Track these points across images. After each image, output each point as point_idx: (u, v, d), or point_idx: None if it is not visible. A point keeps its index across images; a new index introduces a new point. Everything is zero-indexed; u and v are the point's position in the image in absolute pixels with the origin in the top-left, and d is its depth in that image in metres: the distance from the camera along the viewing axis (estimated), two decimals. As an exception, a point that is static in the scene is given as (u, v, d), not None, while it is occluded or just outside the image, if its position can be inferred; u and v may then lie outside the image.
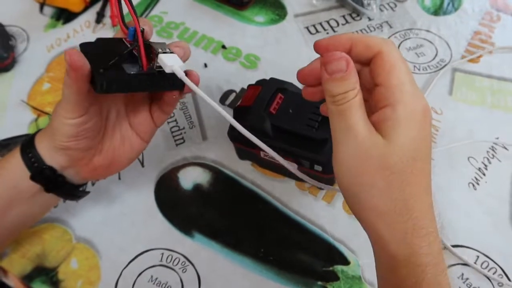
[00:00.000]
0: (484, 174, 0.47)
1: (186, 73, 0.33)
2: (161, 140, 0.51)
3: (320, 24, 0.62)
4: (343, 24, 0.62)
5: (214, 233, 0.45)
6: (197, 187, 0.48)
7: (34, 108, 0.55)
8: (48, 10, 0.66)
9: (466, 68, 0.56)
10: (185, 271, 0.43)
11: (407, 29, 0.61)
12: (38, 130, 0.38)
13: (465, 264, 0.42)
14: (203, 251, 0.44)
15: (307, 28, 0.62)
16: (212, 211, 0.46)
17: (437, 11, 0.63)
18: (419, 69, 0.56)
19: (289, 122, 0.42)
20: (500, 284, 0.41)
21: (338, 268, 0.42)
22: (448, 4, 0.63)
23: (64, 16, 0.65)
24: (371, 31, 0.61)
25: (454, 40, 0.59)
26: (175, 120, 0.53)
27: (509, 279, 0.41)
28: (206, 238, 0.44)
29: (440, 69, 0.56)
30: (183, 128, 0.52)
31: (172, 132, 0.52)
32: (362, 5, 0.62)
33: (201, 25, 0.63)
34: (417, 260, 0.27)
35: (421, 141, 0.28)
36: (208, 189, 0.48)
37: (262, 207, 0.46)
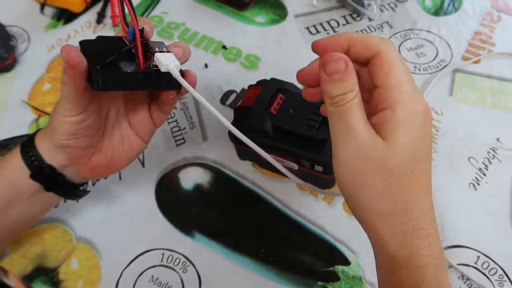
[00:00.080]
0: (484, 175, 0.47)
1: (183, 72, 0.33)
2: (161, 140, 0.51)
3: (321, 24, 0.62)
4: (343, 25, 0.62)
5: (214, 233, 0.45)
6: (197, 187, 0.48)
7: (35, 108, 0.55)
8: (48, 11, 0.66)
9: (467, 68, 0.56)
10: (186, 271, 0.43)
11: (408, 29, 0.61)
12: (39, 130, 0.38)
13: (466, 265, 0.42)
14: (203, 251, 0.44)
15: (307, 28, 0.62)
16: (212, 211, 0.46)
17: (438, 11, 0.63)
18: (419, 70, 0.56)
19: (290, 123, 0.42)
20: (500, 285, 0.41)
21: (339, 268, 0.42)
22: (449, 5, 0.63)
23: (65, 16, 0.65)
24: (371, 31, 0.61)
25: (455, 41, 0.59)
26: (176, 120, 0.53)
27: (509, 280, 0.41)
28: (207, 238, 0.44)
29: (441, 69, 0.56)
30: (184, 128, 0.52)
31: (172, 132, 0.52)
32: (362, 5, 0.62)
33: (201, 26, 0.63)
34: (417, 261, 0.27)
35: (421, 142, 0.28)
36: (208, 189, 0.48)
37: (262, 208, 0.46)
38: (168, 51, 0.33)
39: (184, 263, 0.43)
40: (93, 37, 0.61)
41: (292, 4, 0.65)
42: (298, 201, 0.46)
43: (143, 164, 0.50)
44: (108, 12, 0.65)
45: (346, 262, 0.42)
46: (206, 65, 0.58)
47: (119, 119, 0.39)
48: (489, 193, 0.46)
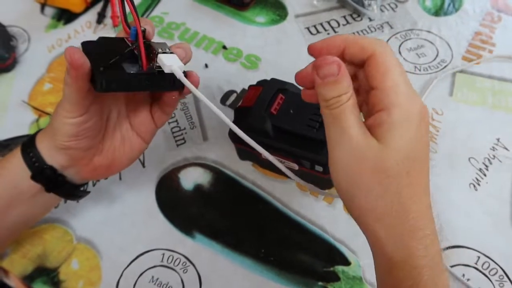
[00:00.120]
0: (484, 175, 0.47)
1: (186, 73, 0.33)
2: (162, 141, 0.51)
3: (321, 24, 0.62)
4: (343, 25, 0.62)
5: (215, 233, 0.45)
6: (198, 188, 0.48)
7: (35, 109, 0.55)
8: (49, 11, 0.66)
9: (467, 68, 0.56)
10: (186, 272, 0.43)
11: (408, 29, 0.61)
12: (39, 130, 0.38)
13: (466, 265, 0.42)
14: (204, 252, 0.44)
15: (307, 28, 0.62)
16: (213, 211, 0.46)
17: (438, 11, 0.63)
18: (419, 70, 0.56)
19: (290, 123, 0.42)
20: (501, 285, 0.41)
21: (339, 268, 0.42)
22: (449, 5, 0.63)
23: (65, 16, 0.65)
24: (372, 31, 0.61)
25: (455, 41, 0.59)
26: (176, 121, 0.53)
27: (510, 280, 0.41)
28: (207, 238, 0.45)
29: (441, 69, 0.56)
30: (184, 128, 0.52)
31: (173, 133, 0.52)
32: (362, 5, 0.62)
33: (202, 26, 0.63)
34: (414, 262, 0.27)
35: (417, 143, 0.28)
36: (209, 189, 0.48)
37: (262, 208, 0.46)
38: (171, 52, 0.33)
39: (184, 263, 0.43)
40: (93, 37, 0.61)
41: (293, 4, 0.65)
42: (298, 201, 0.46)
43: (143, 164, 0.50)
44: (109, 12, 0.65)
45: (346, 262, 0.43)
46: (206, 65, 0.58)
47: (121, 120, 0.39)
48: (489, 194, 0.46)
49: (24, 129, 0.53)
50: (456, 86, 0.55)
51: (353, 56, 0.29)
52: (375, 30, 0.61)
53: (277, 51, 0.59)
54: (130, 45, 0.34)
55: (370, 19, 0.62)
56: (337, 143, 0.28)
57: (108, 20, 0.64)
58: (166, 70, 0.32)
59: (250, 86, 0.48)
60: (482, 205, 0.45)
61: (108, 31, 0.63)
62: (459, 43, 0.59)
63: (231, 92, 0.55)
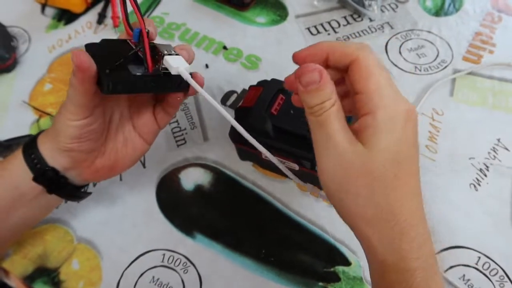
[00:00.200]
0: (485, 175, 0.47)
1: (191, 75, 0.34)
2: (162, 141, 0.51)
3: (321, 25, 0.62)
4: (344, 25, 0.62)
5: (215, 233, 0.45)
6: (198, 188, 0.48)
7: (36, 109, 0.55)
8: (49, 11, 0.66)
9: (467, 69, 0.56)
10: (187, 272, 0.43)
11: (408, 30, 0.61)
12: (41, 131, 0.38)
13: (466, 265, 0.42)
14: (204, 252, 0.44)
15: (308, 29, 0.62)
16: (213, 211, 0.46)
17: (438, 12, 0.63)
18: (420, 70, 0.56)
19: (290, 123, 0.42)
20: (501, 285, 0.41)
21: (339, 269, 0.42)
22: (449, 5, 0.63)
23: (66, 17, 0.66)
24: (372, 32, 0.61)
25: (455, 41, 0.59)
26: (177, 121, 0.53)
27: (510, 280, 0.41)
28: (207, 238, 0.45)
29: (441, 70, 0.56)
30: (185, 129, 0.52)
31: (173, 133, 0.52)
32: (363, 6, 0.62)
33: (202, 26, 0.63)
34: (406, 265, 0.27)
35: (403, 144, 0.27)
36: (209, 189, 0.48)
37: (263, 208, 0.46)
38: (176, 54, 0.33)
39: (185, 264, 0.43)
40: (94, 37, 0.61)
41: (293, 5, 0.65)
42: (299, 201, 0.46)
43: (144, 165, 0.50)
44: (109, 13, 0.65)
45: (346, 263, 0.43)
46: (206, 66, 0.58)
47: (123, 121, 0.39)
48: (489, 194, 0.46)
49: (24, 130, 0.53)
50: (456, 87, 0.55)
51: (337, 62, 0.30)
52: (376, 30, 0.61)
53: (278, 52, 0.59)
54: (134, 47, 0.34)
55: (371, 20, 0.62)
56: (323, 150, 0.28)
57: (108, 21, 0.64)
58: (173, 72, 0.32)
59: (251, 87, 0.48)
60: (482, 205, 0.45)
61: (109, 31, 0.63)
62: (460, 44, 0.59)
63: (231, 93, 0.55)
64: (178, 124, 0.53)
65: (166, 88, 0.34)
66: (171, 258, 0.43)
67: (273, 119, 0.43)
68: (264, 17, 0.64)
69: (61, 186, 0.38)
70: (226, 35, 0.61)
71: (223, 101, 0.54)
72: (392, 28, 0.61)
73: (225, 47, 0.60)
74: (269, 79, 0.47)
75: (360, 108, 0.28)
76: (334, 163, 0.28)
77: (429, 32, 0.60)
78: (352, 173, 0.27)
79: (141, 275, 0.43)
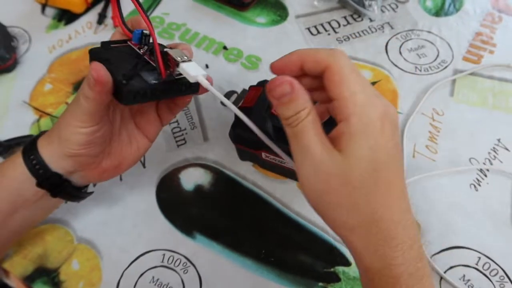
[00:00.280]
0: (485, 175, 0.47)
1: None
2: (162, 141, 0.51)
3: (322, 25, 0.62)
4: (344, 25, 0.62)
5: (215, 234, 0.45)
6: (198, 188, 0.48)
7: (36, 109, 0.55)
8: (50, 11, 0.66)
9: (468, 69, 0.56)
10: (186, 272, 0.43)
11: (409, 30, 0.61)
12: (38, 135, 0.38)
13: (467, 266, 0.42)
14: (204, 252, 0.44)
15: (308, 29, 0.62)
16: (213, 212, 0.46)
17: (439, 12, 0.63)
18: (420, 70, 0.56)
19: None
20: (501, 286, 0.41)
21: (339, 269, 0.42)
22: (450, 5, 0.63)
23: (66, 17, 0.66)
24: (372, 32, 0.61)
25: (456, 41, 0.59)
26: (177, 121, 0.53)
27: (510, 281, 0.41)
28: (207, 239, 0.44)
29: (442, 70, 0.56)
30: (185, 129, 0.52)
31: (173, 133, 0.52)
32: (363, 6, 0.62)
33: (202, 26, 0.63)
34: (391, 271, 0.27)
35: (381, 149, 0.27)
36: (209, 190, 0.48)
37: (263, 208, 0.46)
38: (189, 60, 0.33)
39: (184, 264, 0.43)
40: (94, 37, 0.61)
41: (293, 5, 0.65)
42: (299, 201, 0.46)
43: (144, 165, 0.50)
44: (109, 13, 0.65)
45: (346, 263, 0.42)
46: (207, 66, 0.58)
47: (125, 121, 0.39)
48: (490, 194, 0.46)
49: (25, 130, 0.53)
50: (456, 87, 0.55)
51: (311, 70, 0.29)
52: (376, 30, 0.61)
53: (278, 52, 0.58)
54: (137, 49, 0.33)
55: (371, 20, 0.62)
56: (301, 160, 0.28)
57: (109, 21, 0.64)
58: (192, 80, 0.32)
59: (251, 87, 0.48)
60: (482, 205, 0.45)
61: (109, 31, 0.63)
62: (460, 44, 0.59)
63: (231, 93, 0.55)
64: (178, 124, 0.53)
65: (180, 91, 0.34)
66: (171, 258, 0.43)
67: (273, 119, 0.43)
68: (264, 17, 0.64)
69: (65, 189, 0.38)
70: (226, 35, 0.61)
71: (223, 101, 0.54)
72: (392, 28, 0.61)
73: (225, 47, 0.60)
74: (269, 79, 0.46)
75: (336, 115, 0.28)
76: (313, 174, 0.28)
77: (429, 32, 0.60)
78: (331, 183, 0.27)
79: (141, 275, 0.43)
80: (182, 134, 0.52)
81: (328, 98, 0.28)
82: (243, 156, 0.49)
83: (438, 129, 0.51)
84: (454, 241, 0.43)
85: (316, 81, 0.30)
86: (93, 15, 0.65)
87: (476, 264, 0.42)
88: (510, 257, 0.42)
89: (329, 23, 0.62)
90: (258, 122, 0.42)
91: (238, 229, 0.45)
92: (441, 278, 0.41)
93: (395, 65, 0.57)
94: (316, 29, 0.62)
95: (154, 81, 0.32)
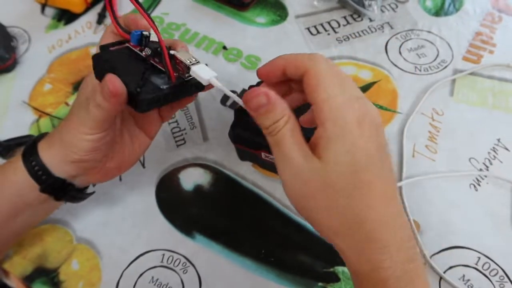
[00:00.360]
0: (485, 175, 0.47)
1: None
2: (162, 141, 0.51)
3: (321, 25, 0.62)
4: (344, 25, 0.62)
5: (215, 234, 0.45)
6: (198, 188, 0.48)
7: (35, 109, 0.55)
8: (49, 11, 0.66)
9: (468, 69, 0.56)
10: (186, 272, 0.43)
11: (408, 30, 0.61)
12: (38, 137, 0.37)
13: (466, 266, 0.42)
14: (204, 252, 0.44)
15: (308, 29, 0.62)
16: (212, 212, 0.46)
17: (438, 12, 0.63)
18: (420, 70, 0.56)
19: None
20: (501, 285, 0.41)
21: (339, 269, 0.42)
22: (449, 5, 0.63)
23: (66, 17, 0.66)
24: (372, 32, 0.61)
25: (455, 41, 0.59)
26: (176, 121, 0.53)
27: (510, 281, 0.41)
28: (207, 239, 0.44)
29: (441, 70, 0.56)
30: (184, 129, 0.52)
31: (173, 133, 0.52)
32: (363, 6, 0.62)
33: (202, 26, 0.63)
34: (378, 274, 0.27)
35: (359, 152, 0.26)
36: (209, 190, 0.48)
37: (262, 208, 0.46)
38: (197, 61, 0.33)
39: (184, 264, 0.43)
40: (93, 37, 0.61)
41: (293, 5, 0.65)
42: (299, 201, 0.46)
43: (143, 165, 0.50)
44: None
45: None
46: (206, 66, 0.58)
47: (126, 122, 0.39)
48: (489, 194, 0.46)
49: (24, 130, 0.53)
50: (456, 87, 0.54)
51: (292, 75, 0.29)
52: (376, 30, 0.61)
53: (277, 52, 0.58)
54: (139, 52, 0.33)
55: (371, 20, 0.62)
56: (283, 167, 0.28)
57: (108, 21, 0.64)
58: (205, 83, 0.32)
59: (250, 87, 0.48)
60: (482, 205, 0.45)
61: (109, 31, 0.63)
62: (460, 44, 0.59)
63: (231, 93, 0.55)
64: (178, 124, 0.53)
65: (189, 92, 0.35)
66: (170, 258, 0.43)
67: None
68: (264, 17, 0.64)
69: (67, 192, 0.38)
70: (226, 35, 0.61)
71: (223, 102, 0.54)
72: (392, 28, 0.61)
73: (225, 47, 0.60)
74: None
75: (316, 119, 0.28)
76: (294, 181, 0.28)
77: (429, 32, 0.60)
78: (312, 188, 0.27)
79: (141, 275, 0.43)
80: (182, 134, 0.52)
81: None
82: (242, 156, 0.49)
83: (438, 129, 0.51)
84: (454, 241, 0.43)
85: (301, 86, 0.30)
86: (92, 15, 0.65)
87: (476, 264, 0.42)
88: (510, 257, 0.42)
89: (329, 23, 0.62)
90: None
91: (238, 229, 0.45)
92: (441, 278, 0.41)
93: (395, 65, 0.57)
94: (316, 29, 0.62)
95: (165, 86, 0.32)
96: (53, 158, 0.35)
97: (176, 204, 0.47)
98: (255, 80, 0.48)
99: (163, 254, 0.44)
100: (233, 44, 0.60)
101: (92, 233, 0.45)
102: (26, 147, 0.37)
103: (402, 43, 0.59)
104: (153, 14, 0.65)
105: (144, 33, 0.34)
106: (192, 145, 0.51)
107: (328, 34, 0.61)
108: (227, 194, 0.47)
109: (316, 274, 0.42)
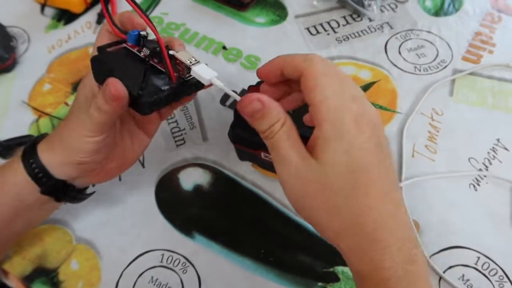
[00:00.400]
0: (484, 175, 0.47)
1: None
2: (161, 141, 0.51)
3: (321, 25, 0.62)
4: (343, 25, 0.62)
5: (214, 234, 0.45)
6: (197, 188, 0.48)
7: (35, 109, 0.55)
8: (49, 11, 0.66)
9: (467, 69, 0.56)
10: (186, 272, 0.43)
11: (408, 30, 0.61)
12: (37, 138, 0.37)
13: (466, 265, 0.42)
14: (203, 252, 0.44)
15: (307, 29, 0.62)
16: (212, 212, 0.46)
17: (438, 12, 0.63)
18: (420, 70, 0.56)
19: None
20: (501, 285, 0.41)
21: (339, 269, 0.42)
22: (449, 5, 0.63)
23: (65, 17, 0.66)
24: (371, 32, 0.61)
25: (455, 41, 0.59)
26: (176, 121, 0.53)
27: (510, 280, 0.41)
28: (207, 239, 0.44)
29: (441, 70, 0.56)
30: (184, 129, 0.52)
31: (172, 133, 0.52)
32: (362, 6, 0.62)
33: (201, 26, 0.63)
34: (380, 274, 0.27)
35: (357, 151, 0.26)
36: (208, 190, 0.48)
37: (262, 208, 0.46)
38: (197, 61, 0.33)
39: (184, 264, 0.43)
40: (93, 37, 0.61)
41: (292, 5, 0.65)
42: (298, 201, 0.46)
43: (143, 165, 0.50)
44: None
45: (345, 263, 0.42)
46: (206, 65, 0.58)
47: (126, 123, 0.39)
48: (489, 194, 0.46)
49: (24, 130, 0.53)
50: (456, 87, 0.54)
51: (290, 76, 0.30)
52: (375, 30, 0.61)
53: (277, 52, 0.58)
54: (138, 52, 0.33)
55: (370, 20, 0.62)
56: (281, 169, 0.28)
57: (108, 21, 0.64)
58: (206, 83, 0.32)
59: (250, 87, 0.48)
60: (481, 205, 0.45)
61: (108, 31, 0.63)
62: (459, 44, 0.59)
63: (231, 93, 0.55)
64: (177, 124, 0.53)
65: (190, 91, 0.34)
66: (170, 258, 0.43)
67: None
68: (264, 17, 0.64)
69: (68, 193, 0.38)
70: (225, 35, 0.61)
71: (223, 102, 0.54)
72: (391, 28, 0.61)
73: (224, 47, 0.60)
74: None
75: (313, 120, 0.28)
76: (292, 183, 0.28)
77: (428, 32, 0.60)
78: (310, 189, 0.27)
79: (140, 275, 0.43)
80: (181, 134, 0.52)
81: None
82: (242, 156, 0.49)
83: (438, 129, 0.51)
84: (453, 241, 0.43)
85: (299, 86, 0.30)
86: (92, 15, 0.65)
87: (475, 264, 0.42)
88: (509, 257, 0.42)
89: (328, 23, 0.62)
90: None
91: (237, 229, 0.45)
92: (440, 278, 0.41)
93: (395, 65, 0.57)
94: (316, 29, 0.62)
95: (166, 86, 0.32)
96: (53, 159, 0.35)
97: (175, 204, 0.47)
98: (255, 80, 0.48)
99: (163, 254, 0.44)
100: (232, 44, 0.60)
101: (91, 233, 0.45)
102: (26, 149, 0.36)
103: (402, 43, 0.59)
104: (152, 14, 0.65)
105: (142, 33, 0.33)
106: (191, 145, 0.51)
107: (328, 34, 0.61)
108: (227, 194, 0.47)
109: (315, 274, 0.42)
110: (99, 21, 0.64)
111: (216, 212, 0.46)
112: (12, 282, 0.43)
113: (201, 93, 0.55)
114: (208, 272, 0.43)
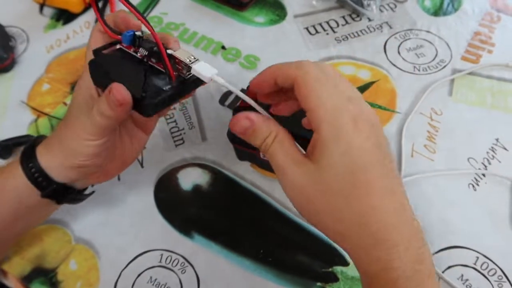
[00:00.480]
0: (484, 175, 0.47)
1: None
2: (160, 141, 0.51)
3: (320, 24, 0.62)
4: (342, 25, 0.62)
5: (213, 234, 0.45)
6: (196, 188, 0.48)
7: (34, 109, 0.55)
8: (48, 11, 0.66)
9: (466, 69, 0.56)
10: (184, 272, 0.43)
11: (407, 29, 0.61)
12: (35, 140, 0.37)
13: (465, 265, 0.42)
14: (202, 252, 0.44)
15: (306, 28, 0.62)
16: (211, 212, 0.46)
17: (437, 11, 0.63)
18: (419, 70, 0.56)
19: (289, 124, 0.42)
20: (500, 285, 0.41)
21: (338, 269, 0.42)
22: (448, 5, 0.63)
23: (64, 16, 0.65)
24: (371, 31, 0.61)
25: (454, 41, 0.59)
26: (175, 121, 0.53)
27: (509, 280, 0.41)
28: (206, 239, 0.44)
29: (440, 70, 0.56)
30: (183, 129, 0.52)
31: (171, 133, 0.52)
32: (362, 5, 0.62)
33: (201, 26, 0.63)
34: (387, 275, 0.26)
35: (356, 151, 0.26)
36: (207, 190, 0.48)
37: (261, 208, 0.46)
38: (196, 59, 0.33)
39: (182, 264, 0.43)
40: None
41: (292, 5, 0.65)
42: (297, 201, 0.46)
43: (142, 165, 0.50)
44: (107, 12, 0.65)
45: (345, 263, 0.42)
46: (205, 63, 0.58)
47: (124, 123, 0.39)
48: (488, 194, 0.46)
49: (22, 130, 0.53)
50: (455, 86, 0.54)
51: (284, 85, 0.30)
52: (374, 30, 0.61)
53: (276, 51, 0.59)
54: (134, 53, 0.33)
55: (369, 19, 0.62)
56: (281, 178, 0.29)
57: (107, 20, 0.64)
58: (207, 81, 0.32)
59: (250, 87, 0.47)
60: (481, 205, 0.45)
61: (107, 31, 0.63)
62: (458, 43, 0.59)
63: (230, 92, 0.55)
64: (176, 124, 0.53)
65: (190, 89, 0.34)
66: (169, 258, 0.43)
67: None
68: (263, 17, 0.64)
69: (68, 195, 0.38)
70: (224, 35, 0.61)
71: (222, 101, 0.54)
72: (390, 27, 0.61)
73: (223, 47, 0.60)
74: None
75: (312, 125, 0.28)
76: (291, 189, 0.28)
77: (428, 32, 0.60)
78: (310, 195, 0.27)
79: (139, 275, 0.43)
80: (180, 134, 0.52)
81: None
82: (241, 156, 0.49)
83: (437, 128, 0.51)
84: (453, 241, 0.43)
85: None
86: (91, 15, 0.65)
87: (475, 264, 0.42)
88: (508, 257, 0.42)
89: (327, 22, 0.62)
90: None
91: (236, 229, 0.45)
92: (439, 277, 0.41)
93: (394, 65, 0.57)
94: (315, 28, 0.62)
95: (168, 86, 0.32)
96: (52, 163, 0.35)
97: (174, 204, 0.47)
98: (253, 80, 0.48)
99: (162, 254, 0.44)
100: (231, 43, 0.60)
101: (90, 233, 0.45)
102: (24, 151, 0.36)
103: (401, 42, 0.59)
104: (151, 14, 0.65)
105: (137, 33, 0.33)
106: (190, 145, 0.51)
107: (327, 33, 0.61)
108: (226, 194, 0.47)
109: (314, 274, 0.42)
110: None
111: (215, 212, 0.46)
112: (11, 282, 0.43)
113: (200, 93, 0.55)
114: (207, 272, 0.43)
